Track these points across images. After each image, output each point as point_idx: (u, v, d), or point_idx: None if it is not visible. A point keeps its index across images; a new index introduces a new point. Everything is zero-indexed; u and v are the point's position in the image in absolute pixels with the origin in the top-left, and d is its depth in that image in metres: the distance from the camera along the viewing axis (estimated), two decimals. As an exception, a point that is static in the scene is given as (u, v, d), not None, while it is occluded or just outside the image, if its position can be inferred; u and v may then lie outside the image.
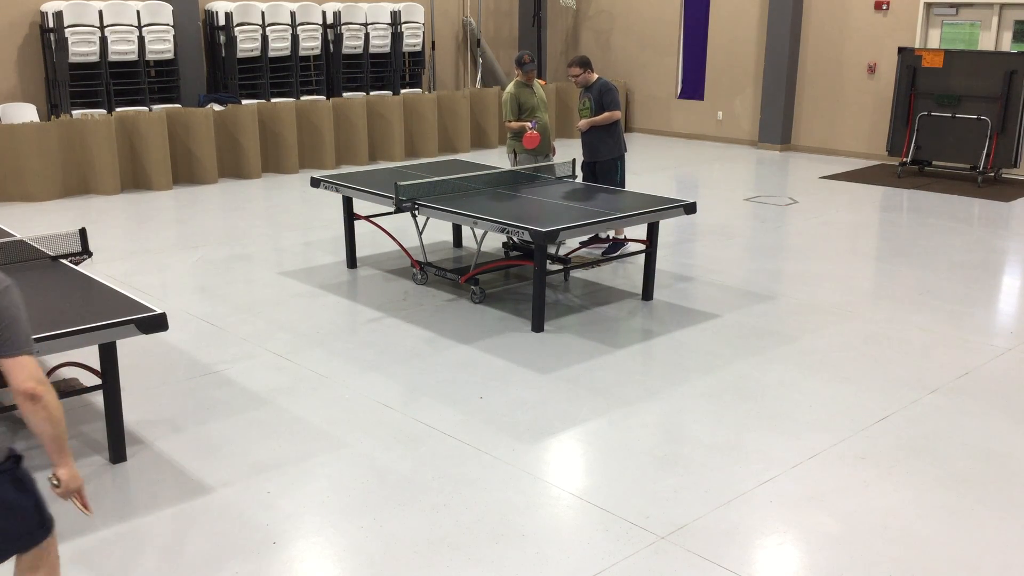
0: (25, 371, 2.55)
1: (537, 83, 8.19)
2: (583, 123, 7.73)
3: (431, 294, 6.88)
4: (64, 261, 4.98)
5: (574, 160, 7.78)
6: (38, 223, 9.01)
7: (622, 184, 7.80)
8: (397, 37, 14.08)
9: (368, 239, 8.35)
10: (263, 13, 12.71)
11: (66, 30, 11.19)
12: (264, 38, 12.75)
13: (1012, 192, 10.87)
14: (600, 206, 6.44)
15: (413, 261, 7.17)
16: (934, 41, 12.50)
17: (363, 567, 3.53)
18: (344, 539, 3.71)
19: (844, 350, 5.80)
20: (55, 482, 2.67)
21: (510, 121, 7.99)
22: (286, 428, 4.69)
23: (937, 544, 3.69)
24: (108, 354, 4.18)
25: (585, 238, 7.74)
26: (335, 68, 13.67)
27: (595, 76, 7.76)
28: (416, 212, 6.54)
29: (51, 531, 2.73)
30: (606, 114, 7.63)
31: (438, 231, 8.62)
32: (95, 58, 11.43)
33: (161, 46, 11.94)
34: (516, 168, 7.96)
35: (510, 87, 8.05)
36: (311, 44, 13.31)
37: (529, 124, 7.84)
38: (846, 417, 4.84)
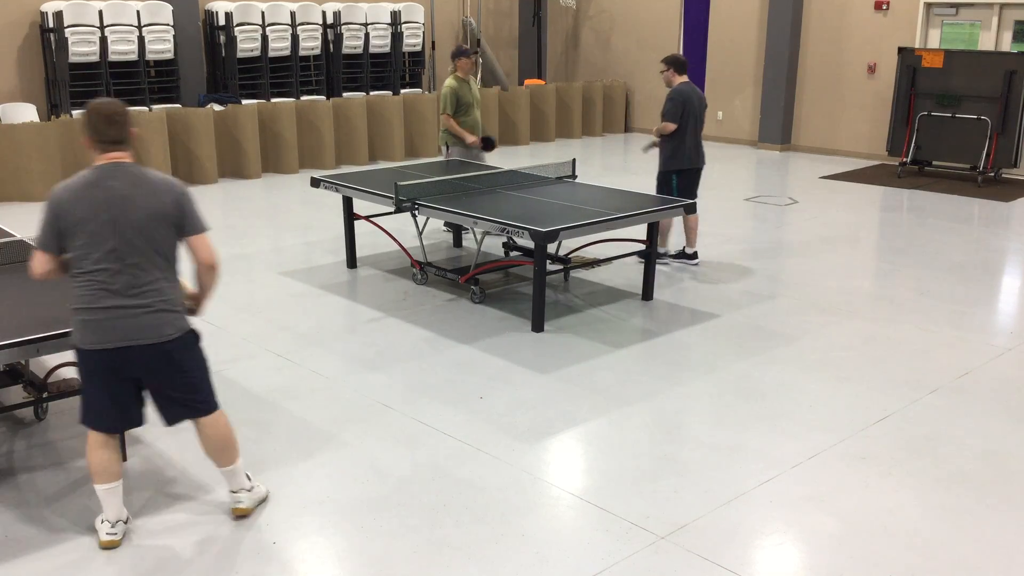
0: (208, 246, 3.60)
1: (472, 79, 8.40)
2: (654, 130, 7.54)
3: (431, 294, 6.88)
4: (64, 261, 4.97)
5: (573, 160, 7.78)
6: (38, 223, 9.00)
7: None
8: (397, 37, 14.08)
9: (368, 239, 8.35)
10: (263, 13, 12.72)
11: (66, 30, 11.19)
12: (264, 38, 12.76)
13: (1012, 192, 10.87)
14: (600, 206, 6.44)
15: (413, 261, 7.17)
16: (934, 41, 12.50)
17: (363, 567, 3.53)
18: (344, 539, 3.71)
19: (844, 350, 5.80)
20: (189, 304, 3.76)
21: (449, 115, 8.17)
22: (286, 428, 4.69)
23: (937, 544, 3.69)
24: (108, 354, 4.18)
25: (672, 252, 7.78)
26: (335, 68, 13.67)
27: (679, 80, 7.40)
28: (416, 212, 6.54)
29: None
30: (661, 124, 7.40)
31: (438, 231, 8.62)
32: (95, 58, 11.43)
33: (161, 46, 11.94)
34: (450, 159, 8.26)
35: (450, 81, 8.23)
36: (311, 44, 13.31)
37: (474, 141, 8.17)
38: (846, 417, 4.84)
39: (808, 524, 3.83)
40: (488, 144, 8.37)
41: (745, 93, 14.38)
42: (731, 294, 6.92)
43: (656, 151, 7.67)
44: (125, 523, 3.72)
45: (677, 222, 8.53)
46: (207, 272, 3.63)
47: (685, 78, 7.43)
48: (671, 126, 7.27)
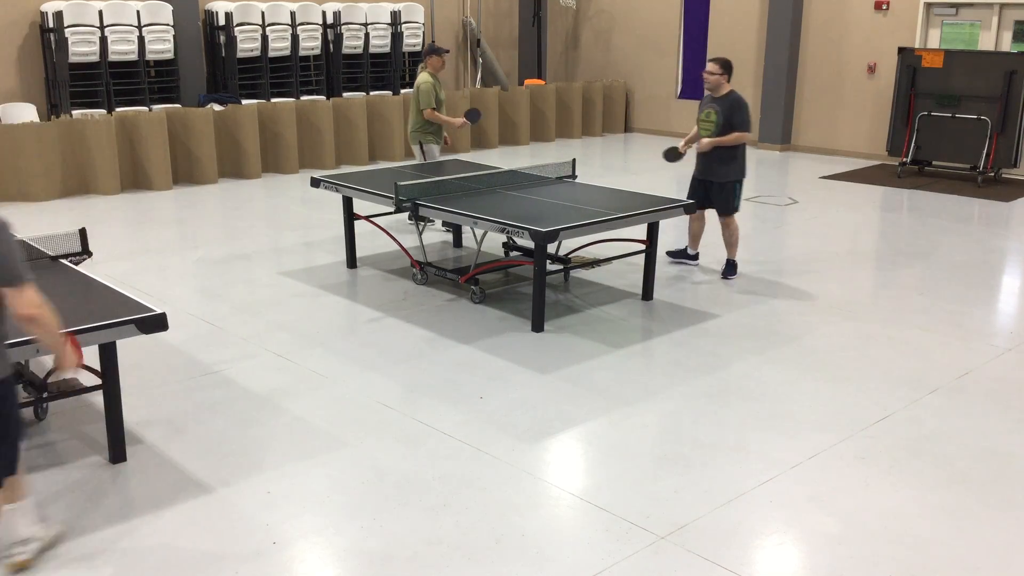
0: (24, 298, 3.06)
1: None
2: (707, 142, 7.06)
3: (431, 294, 6.88)
4: (64, 261, 4.98)
5: (573, 160, 7.78)
6: (38, 223, 9.01)
7: (737, 208, 7.27)
8: (397, 37, 14.08)
9: (368, 239, 8.35)
10: (263, 13, 12.71)
11: (66, 30, 11.19)
12: (264, 38, 12.75)
13: (1012, 192, 10.87)
14: (600, 206, 6.44)
15: (413, 261, 7.17)
16: (934, 41, 12.50)
17: (363, 567, 3.53)
18: (344, 539, 3.71)
19: (844, 350, 5.80)
20: (55, 376, 3.43)
21: (433, 109, 8.40)
22: (286, 428, 4.69)
23: (937, 544, 3.69)
24: (108, 354, 4.18)
25: (693, 253, 7.65)
26: (335, 68, 13.67)
27: (729, 87, 7.07)
28: (417, 213, 6.52)
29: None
30: (736, 135, 6.99)
31: (438, 231, 8.62)
32: (95, 58, 11.43)
33: (161, 46, 11.94)
34: (429, 161, 8.49)
35: (427, 77, 8.48)
36: (311, 44, 13.31)
37: (461, 122, 8.48)
38: (846, 417, 4.84)
39: (808, 524, 3.83)
40: (473, 115, 8.45)
41: (745, 93, 14.31)
42: (731, 294, 6.92)
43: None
44: (42, 542, 3.52)
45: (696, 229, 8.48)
46: (27, 325, 3.12)
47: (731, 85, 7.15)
48: (749, 135, 7.07)
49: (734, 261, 7.36)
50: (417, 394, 5.10)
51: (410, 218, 6.57)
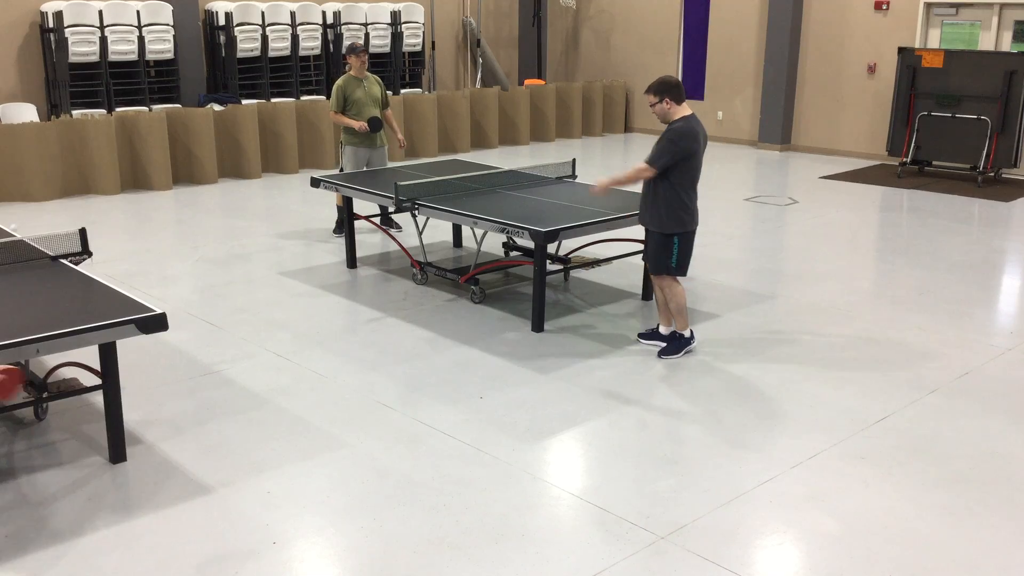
0: None
1: (372, 77, 8.53)
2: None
3: (431, 294, 6.88)
4: (64, 261, 4.98)
5: (573, 160, 7.78)
6: (38, 223, 9.01)
7: (679, 270, 5.55)
8: (397, 37, 14.09)
9: (368, 239, 8.34)
10: (263, 13, 12.71)
11: (66, 30, 11.19)
12: (264, 38, 12.75)
13: (1012, 192, 10.87)
14: (600, 206, 6.44)
15: (413, 261, 7.17)
16: (934, 41, 12.50)
17: (363, 567, 3.53)
18: (344, 539, 3.71)
19: (844, 350, 5.80)
20: None
21: (335, 112, 8.38)
22: (286, 428, 4.69)
23: (937, 544, 3.69)
24: (108, 354, 4.18)
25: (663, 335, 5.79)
26: (335, 68, 13.67)
27: (680, 114, 5.33)
28: (416, 212, 6.54)
29: None
30: (632, 170, 5.49)
31: (438, 231, 8.62)
32: (95, 58, 11.43)
33: (161, 46, 11.94)
34: (346, 169, 8.40)
35: (339, 80, 8.42)
36: (311, 44, 13.32)
37: (361, 125, 8.27)
38: (846, 417, 4.84)
39: (808, 524, 3.83)
40: (374, 124, 8.37)
41: (745, 93, 14.37)
42: (731, 294, 6.92)
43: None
44: None
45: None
46: None
47: (686, 109, 5.41)
48: (649, 171, 5.42)
49: (679, 333, 5.66)
50: (417, 394, 5.10)
51: (413, 207, 6.55)
